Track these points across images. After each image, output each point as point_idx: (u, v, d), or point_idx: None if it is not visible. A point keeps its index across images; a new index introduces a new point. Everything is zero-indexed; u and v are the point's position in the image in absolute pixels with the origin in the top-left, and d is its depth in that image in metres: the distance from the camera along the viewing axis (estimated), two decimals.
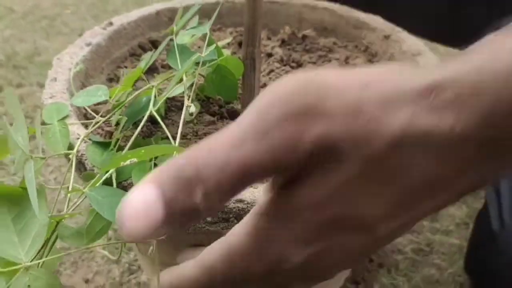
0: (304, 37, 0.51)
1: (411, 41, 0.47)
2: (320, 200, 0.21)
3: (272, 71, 0.45)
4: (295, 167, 0.20)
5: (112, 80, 0.47)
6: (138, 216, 0.19)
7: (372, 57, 0.50)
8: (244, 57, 0.37)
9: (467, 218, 0.68)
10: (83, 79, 0.44)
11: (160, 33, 0.52)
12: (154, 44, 0.51)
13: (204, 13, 0.53)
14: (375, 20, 0.51)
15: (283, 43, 0.50)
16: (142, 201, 0.19)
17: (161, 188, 0.19)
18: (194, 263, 0.25)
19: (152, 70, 0.47)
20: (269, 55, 0.48)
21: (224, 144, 0.20)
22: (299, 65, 0.48)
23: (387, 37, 0.49)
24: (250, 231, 0.23)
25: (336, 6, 0.53)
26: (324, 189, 0.21)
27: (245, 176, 0.20)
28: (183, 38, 0.38)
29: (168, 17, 0.52)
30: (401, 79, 0.20)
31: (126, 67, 0.49)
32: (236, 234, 0.23)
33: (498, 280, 0.51)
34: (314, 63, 0.49)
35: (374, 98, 0.20)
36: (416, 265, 0.62)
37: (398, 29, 0.49)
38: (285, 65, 0.47)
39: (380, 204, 0.21)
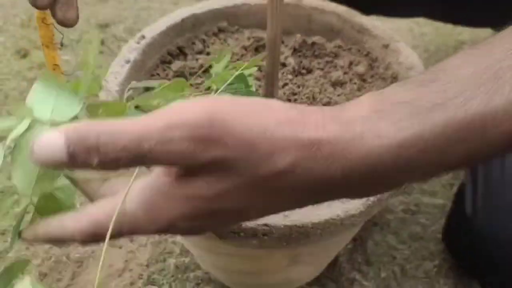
0: (313, 43, 0.57)
1: (407, 52, 0.54)
2: (209, 194, 0.26)
3: (286, 84, 0.53)
4: (189, 168, 0.26)
5: (148, 89, 0.55)
6: (47, 150, 0.24)
7: (373, 62, 0.57)
8: (264, 94, 0.45)
9: (452, 180, 0.78)
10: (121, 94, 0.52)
11: (184, 38, 0.59)
12: (181, 50, 0.58)
13: (223, 15, 0.60)
14: (376, 27, 0.57)
15: (294, 51, 0.57)
16: (53, 143, 0.24)
17: (67, 142, 0.24)
18: (82, 216, 0.29)
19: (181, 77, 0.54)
20: (283, 64, 0.55)
21: (130, 128, 0.24)
22: (309, 71, 0.56)
23: (386, 46, 0.55)
24: (146, 204, 0.27)
25: (342, 10, 0.59)
26: (215, 188, 0.26)
27: (136, 161, 0.25)
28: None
29: (192, 23, 0.59)
30: (295, 129, 0.26)
31: (158, 74, 0.56)
32: (132, 202, 0.28)
33: (469, 256, 0.63)
34: (322, 69, 0.56)
35: (267, 142, 0.25)
36: (404, 223, 0.74)
37: (396, 38, 0.55)
38: (296, 76, 0.54)
39: (251, 209, 0.29)
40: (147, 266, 0.69)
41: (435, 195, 0.76)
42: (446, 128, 0.26)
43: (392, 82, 0.53)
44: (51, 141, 0.24)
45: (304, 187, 0.27)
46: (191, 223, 0.28)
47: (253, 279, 0.58)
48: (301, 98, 0.52)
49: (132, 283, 0.67)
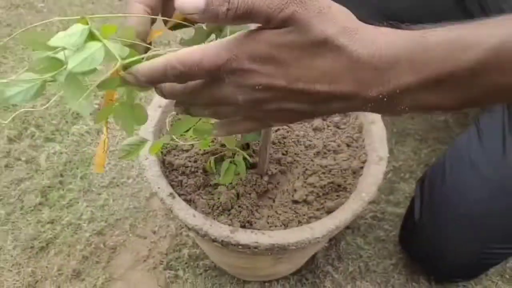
0: None
1: None
2: (274, 40, 0.32)
3: (278, 129, 0.70)
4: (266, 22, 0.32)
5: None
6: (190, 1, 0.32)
7: (345, 114, 0.73)
8: (263, 138, 0.61)
9: (413, 193, 0.96)
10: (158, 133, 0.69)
11: None
12: None
13: None
14: None
15: None
16: None
17: None
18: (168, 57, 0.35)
19: None
20: None
21: None
22: None
23: None
24: (228, 43, 0.34)
25: None
26: (284, 38, 0.32)
27: (245, 17, 0.31)
28: None
29: None
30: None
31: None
32: (216, 45, 0.34)
33: (418, 252, 0.81)
34: None
35: (329, 12, 0.32)
36: (371, 228, 0.92)
37: None
38: None
39: (301, 68, 0.33)
40: (166, 254, 0.88)
41: (398, 205, 0.94)
42: None
43: (359, 132, 0.71)
44: None
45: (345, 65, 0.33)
46: (256, 65, 0.33)
47: (248, 271, 0.77)
48: (289, 141, 0.69)
49: (154, 268, 0.86)
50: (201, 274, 0.85)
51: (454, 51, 0.32)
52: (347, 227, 0.91)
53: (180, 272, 0.85)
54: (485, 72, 0.32)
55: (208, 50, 0.34)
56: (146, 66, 0.36)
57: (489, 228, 0.70)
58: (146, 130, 0.68)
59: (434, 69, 0.32)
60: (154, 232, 0.90)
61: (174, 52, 0.35)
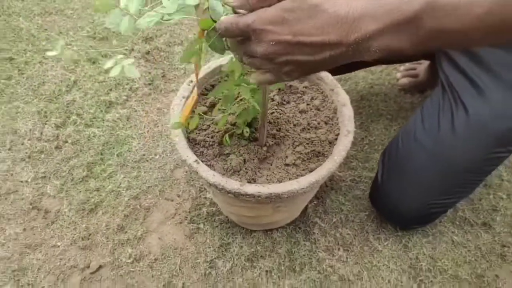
0: (290, 86, 0.97)
1: (343, 95, 0.94)
2: (283, 6, 0.49)
3: (273, 112, 0.93)
4: None
5: (193, 111, 0.95)
6: None
7: (324, 98, 0.97)
8: (260, 118, 0.85)
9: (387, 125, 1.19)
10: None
11: (214, 78, 0.99)
12: (212, 86, 0.98)
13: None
14: (328, 77, 0.96)
15: (279, 90, 0.97)
16: None
17: None
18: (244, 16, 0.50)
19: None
20: (272, 99, 0.95)
21: None
22: (287, 102, 0.96)
23: (332, 89, 0.95)
24: (252, 15, 0.50)
25: None
26: (286, 4, 0.49)
27: None
28: None
29: (218, 70, 0.98)
30: None
31: (199, 102, 0.97)
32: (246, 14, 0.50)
33: (383, 210, 1.04)
34: (295, 101, 0.96)
35: None
36: (351, 188, 1.16)
37: (338, 85, 0.95)
38: (279, 106, 0.95)
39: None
40: (189, 212, 1.12)
41: (372, 171, 1.18)
42: None
43: (334, 113, 0.94)
44: None
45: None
46: (271, 26, 0.49)
47: (252, 220, 1.01)
48: (281, 121, 0.92)
49: (180, 222, 1.10)
50: (217, 226, 1.09)
51: (401, 4, 0.46)
52: (331, 188, 1.15)
53: (201, 225, 1.09)
54: (424, 19, 0.45)
55: (242, 15, 0.51)
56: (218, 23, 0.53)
57: (430, 185, 0.93)
58: (175, 116, 0.91)
59: (389, 18, 0.46)
60: (179, 196, 1.14)
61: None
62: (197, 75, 0.74)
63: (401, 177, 0.97)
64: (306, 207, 1.10)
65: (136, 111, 1.31)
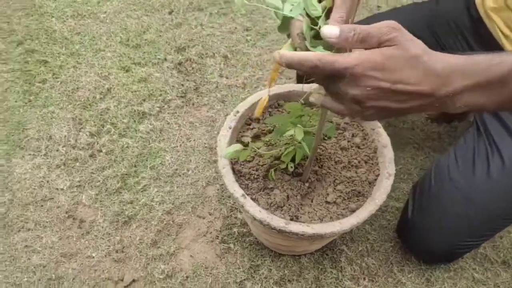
0: (332, 121, 1.00)
1: (384, 135, 0.97)
2: (385, 52, 0.48)
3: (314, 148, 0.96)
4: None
5: (238, 141, 0.98)
6: (332, 27, 0.49)
7: (365, 136, 1.00)
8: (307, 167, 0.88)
9: (414, 155, 1.23)
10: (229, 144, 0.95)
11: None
12: (255, 120, 1.01)
13: (281, 96, 1.02)
14: None
15: None
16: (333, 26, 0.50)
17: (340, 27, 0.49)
18: (310, 54, 0.50)
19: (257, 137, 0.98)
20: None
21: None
22: (329, 138, 0.99)
23: (373, 129, 0.98)
24: (351, 58, 0.49)
25: None
26: (388, 51, 0.48)
27: (363, 40, 0.48)
28: None
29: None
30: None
31: (244, 131, 0.99)
32: (342, 55, 0.50)
33: (410, 244, 1.08)
34: (336, 137, 0.99)
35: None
36: (376, 218, 1.19)
37: (379, 125, 0.98)
38: (321, 141, 0.98)
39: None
40: (220, 231, 1.15)
41: (398, 201, 1.22)
42: None
43: (374, 152, 0.97)
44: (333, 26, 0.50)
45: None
46: (373, 72, 0.49)
47: (286, 248, 1.05)
48: (323, 158, 0.95)
49: (212, 241, 1.14)
50: (247, 247, 1.13)
51: (491, 66, 0.49)
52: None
53: (231, 245, 1.13)
54: (510, 82, 0.49)
55: (341, 56, 0.50)
56: (293, 55, 0.51)
57: (460, 227, 0.97)
58: (222, 147, 0.94)
59: (479, 77, 0.49)
60: (210, 214, 1.18)
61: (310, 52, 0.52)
62: (270, 85, 0.75)
63: (432, 215, 1.01)
64: None
65: (169, 123, 1.34)
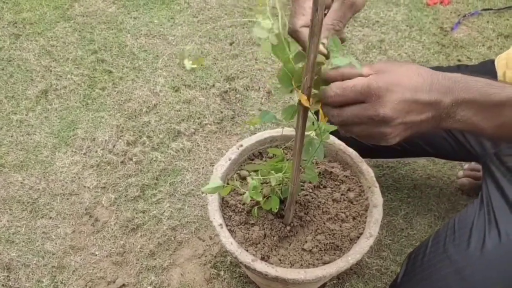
0: (331, 172, 1.00)
1: (377, 195, 0.95)
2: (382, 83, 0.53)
3: (306, 195, 0.97)
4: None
5: (236, 174, 1.02)
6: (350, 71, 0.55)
7: (361, 192, 0.99)
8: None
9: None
10: (224, 178, 0.99)
11: (264, 147, 1.05)
12: (260, 153, 1.04)
13: (288, 137, 1.04)
14: (369, 172, 0.98)
15: (319, 174, 1.00)
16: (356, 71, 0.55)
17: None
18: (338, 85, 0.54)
19: None
20: (310, 181, 0.99)
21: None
22: (323, 187, 0.99)
23: (369, 187, 0.97)
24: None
25: (354, 154, 1.01)
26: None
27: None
28: None
29: (269, 140, 1.04)
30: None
31: (245, 165, 1.03)
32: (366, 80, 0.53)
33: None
34: (331, 187, 0.99)
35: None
36: (374, 278, 1.15)
37: (376, 184, 0.96)
38: (314, 189, 0.98)
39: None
40: (215, 256, 1.19)
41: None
42: None
43: (365, 210, 0.95)
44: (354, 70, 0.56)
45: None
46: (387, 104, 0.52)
47: (266, 286, 1.06)
48: (311, 205, 0.96)
49: (204, 264, 1.18)
50: (236, 277, 1.15)
51: (491, 88, 0.55)
52: (355, 272, 1.16)
53: (222, 272, 1.16)
54: (506, 108, 0.54)
55: (357, 78, 0.55)
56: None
57: None
58: (216, 176, 0.98)
59: (478, 95, 0.54)
60: (210, 238, 1.22)
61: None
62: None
63: (421, 285, 0.96)
64: (324, 284, 1.13)
65: (199, 145, 1.41)
